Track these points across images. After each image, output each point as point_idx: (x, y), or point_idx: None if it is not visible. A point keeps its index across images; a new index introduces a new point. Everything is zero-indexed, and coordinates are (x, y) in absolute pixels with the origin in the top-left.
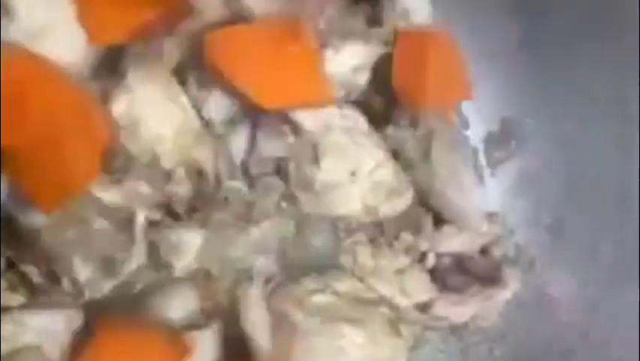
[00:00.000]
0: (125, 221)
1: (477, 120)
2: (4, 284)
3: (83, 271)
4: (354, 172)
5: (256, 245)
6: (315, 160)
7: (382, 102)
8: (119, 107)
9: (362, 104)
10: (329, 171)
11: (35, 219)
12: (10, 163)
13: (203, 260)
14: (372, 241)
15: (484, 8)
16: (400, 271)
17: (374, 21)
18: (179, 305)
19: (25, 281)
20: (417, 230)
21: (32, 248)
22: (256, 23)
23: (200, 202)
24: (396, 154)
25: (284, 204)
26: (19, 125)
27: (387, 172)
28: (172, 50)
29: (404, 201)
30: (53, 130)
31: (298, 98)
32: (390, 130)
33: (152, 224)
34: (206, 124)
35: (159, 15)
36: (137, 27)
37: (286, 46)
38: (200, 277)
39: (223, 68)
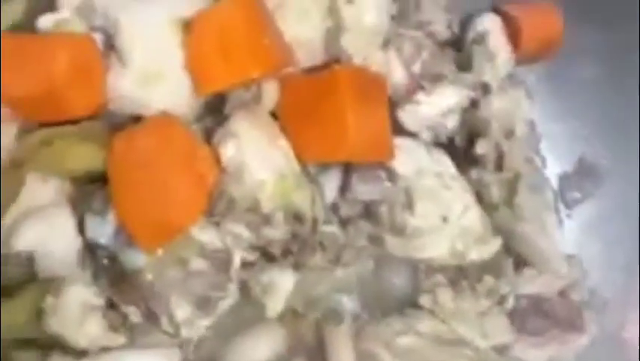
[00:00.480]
0: (221, 262)
1: (553, 160)
2: (105, 324)
3: (181, 310)
4: (446, 218)
5: (339, 283)
6: (409, 205)
7: (466, 144)
8: (226, 152)
9: (447, 146)
10: (422, 216)
11: (137, 259)
12: (118, 203)
13: (292, 299)
14: (454, 283)
15: (566, 48)
16: (480, 313)
17: (463, 66)
18: (267, 344)
19: (125, 322)
20: (498, 273)
21: (133, 288)
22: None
23: (295, 245)
24: (478, 196)
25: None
26: (127, 166)
27: (475, 216)
28: (271, 92)
29: (492, 248)
30: (160, 171)
31: (329, 155)
32: (474, 173)
33: (245, 264)
34: (304, 167)
35: (266, 73)
36: (244, 81)
37: (322, 98)
38: (288, 316)
39: (279, 117)
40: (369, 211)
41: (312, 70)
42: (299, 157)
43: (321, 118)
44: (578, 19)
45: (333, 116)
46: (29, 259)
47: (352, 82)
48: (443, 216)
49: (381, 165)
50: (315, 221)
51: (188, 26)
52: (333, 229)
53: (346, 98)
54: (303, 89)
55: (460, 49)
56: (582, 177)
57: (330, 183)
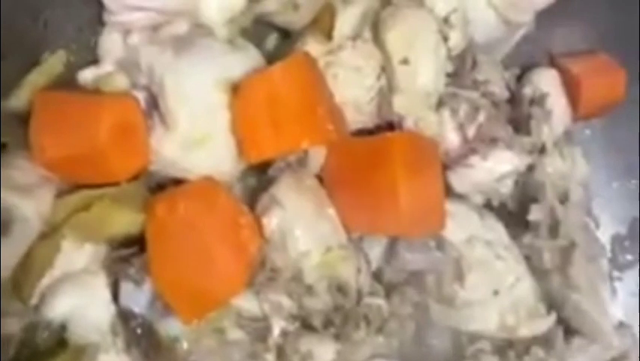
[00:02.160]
0: (260, 331)
1: (606, 220)
2: None
3: None
4: (497, 291)
5: (379, 348)
6: (459, 276)
7: (519, 208)
8: (270, 221)
9: (498, 210)
10: (472, 288)
11: (173, 328)
12: (155, 270)
13: None
14: (500, 352)
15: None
16: None
17: (519, 125)
18: None
19: None
20: (547, 343)
21: (168, 358)
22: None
23: (338, 317)
24: (529, 262)
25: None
26: (167, 231)
27: (527, 288)
28: (318, 155)
29: (545, 324)
30: (202, 238)
31: (378, 227)
32: (527, 238)
33: (284, 334)
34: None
35: (318, 144)
36: (294, 151)
37: (373, 167)
38: None
39: (325, 182)
40: (415, 278)
41: (361, 132)
42: (345, 226)
43: (371, 187)
44: (633, 70)
45: (384, 187)
46: (62, 326)
47: (405, 151)
48: (495, 289)
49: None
50: (359, 293)
51: (236, 89)
52: (378, 301)
53: (399, 169)
54: (352, 154)
55: (515, 104)
56: (634, 238)
57: (375, 249)
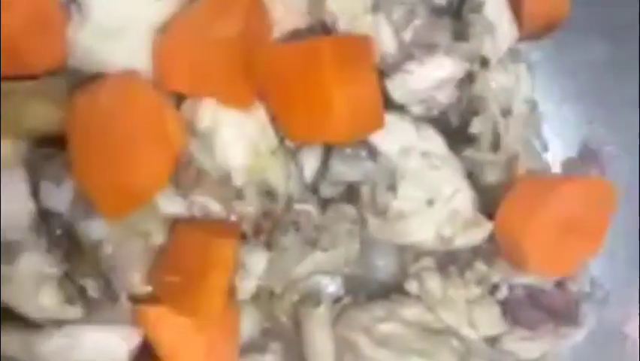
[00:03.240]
0: None
1: (557, 144)
2: (60, 297)
3: (141, 285)
4: (432, 200)
5: (321, 265)
6: (392, 187)
7: (461, 120)
8: (200, 116)
9: (439, 122)
10: (405, 198)
11: (96, 230)
12: (77, 168)
13: (266, 279)
14: (442, 269)
15: (572, 27)
16: (470, 302)
17: (459, 36)
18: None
19: (82, 295)
20: (491, 259)
21: (91, 261)
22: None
23: (268, 223)
24: (471, 176)
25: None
26: (88, 127)
27: (465, 199)
28: None
29: (482, 233)
30: (125, 133)
31: (314, 135)
32: (468, 152)
33: None
34: (281, 141)
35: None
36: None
37: (304, 73)
38: (263, 297)
39: (262, 89)
40: (351, 193)
41: (295, 34)
42: (278, 132)
43: (303, 94)
44: None
45: (316, 93)
46: None
47: (336, 55)
48: (429, 199)
49: (363, 144)
50: (289, 199)
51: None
52: (309, 208)
53: (330, 74)
54: (283, 59)
55: (457, 17)
56: (586, 162)
57: (310, 161)
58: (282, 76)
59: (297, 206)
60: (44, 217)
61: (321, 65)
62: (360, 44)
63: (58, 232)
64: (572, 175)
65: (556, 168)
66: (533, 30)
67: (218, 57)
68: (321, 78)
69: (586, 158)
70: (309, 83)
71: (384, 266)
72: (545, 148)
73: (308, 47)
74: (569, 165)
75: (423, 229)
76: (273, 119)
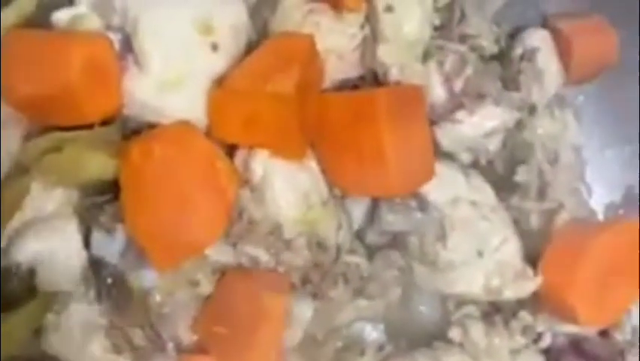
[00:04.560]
0: None
1: (599, 188)
2: (109, 346)
3: (188, 335)
4: (481, 252)
5: (363, 311)
6: (441, 237)
7: (507, 168)
8: (251, 166)
9: (486, 170)
10: (455, 249)
11: (145, 279)
12: (130, 218)
13: (311, 327)
14: (486, 317)
15: (614, 70)
16: (514, 351)
17: (509, 84)
18: None
19: (129, 344)
20: (535, 309)
21: (139, 310)
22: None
23: (316, 274)
24: (516, 224)
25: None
26: (142, 176)
27: (513, 249)
28: None
29: (530, 286)
30: (178, 183)
31: (364, 188)
32: (515, 200)
33: None
34: (330, 190)
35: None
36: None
37: (358, 123)
38: (307, 344)
39: (315, 140)
40: (398, 240)
41: (345, 83)
42: (329, 184)
43: (356, 145)
44: (631, 38)
45: (369, 145)
46: (31, 272)
47: (390, 106)
48: (478, 250)
49: (412, 193)
50: (338, 250)
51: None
52: (358, 259)
53: (384, 126)
54: (336, 109)
55: (506, 65)
56: (629, 207)
57: (358, 210)
58: (335, 126)
59: (347, 258)
60: (95, 266)
61: (375, 115)
62: (413, 95)
63: (109, 281)
64: (611, 221)
65: (600, 213)
66: (580, 75)
67: (273, 109)
68: (375, 129)
69: (629, 203)
70: (362, 134)
71: (427, 313)
72: (590, 193)
73: (362, 97)
74: (611, 210)
75: (471, 279)
76: (324, 171)
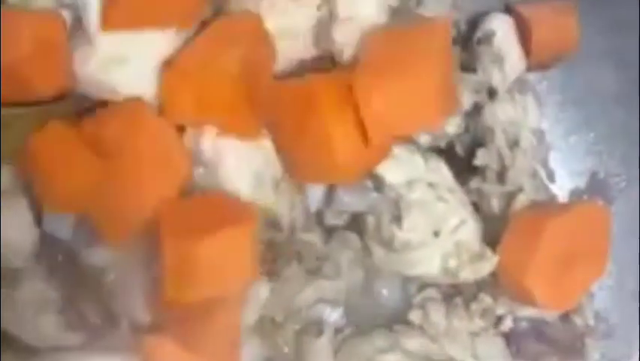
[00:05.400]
0: None
1: (564, 174)
2: (61, 323)
3: (143, 313)
4: (438, 232)
5: (323, 293)
6: (397, 218)
7: (467, 151)
8: (203, 143)
9: (445, 153)
10: (411, 230)
11: (99, 256)
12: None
13: (268, 308)
14: (447, 300)
15: (580, 57)
16: (474, 334)
17: (467, 66)
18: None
19: (82, 321)
20: (496, 291)
21: (92, 287)
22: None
23: (270, 253)
24: (475, 207)
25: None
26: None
27: (471, 231)
28: None
29: (488, 266)
30: (130, 159)
31: (315, 178)
32: (474, 183)
33: None
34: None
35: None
36: None
37: (304, 113)
38: (265, 326)
39: (267, 122)
40: (356, 221)
41: (302, 63)
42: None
43: (303, 135)
44: (596, 24)
45: (316, 136)
46: None
47: (334, 94)
48: (435, 230)
49: (369, 174)
50: (292, 229)
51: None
52: (312, 238)
53: (328, 116)
54: (283, 98)
55: (465, 49)
56: (594, 194)
57: (314, 191)
58: (283, 115)
59: (301, 236)
60: (46, 243)
61: (319, 105)
62: None
63: (60, 258)
64: (570, 203)
65: (563, 200)
66: (542, 60)
67: (222, 88)
68: (319, 120)
69: (593, 189)
70: (308, 125)
71: (387, 296)
72: (552, 179)
73: (307, 85)
74: (575, 196)
75: (429, 260)
76: (277, 154)
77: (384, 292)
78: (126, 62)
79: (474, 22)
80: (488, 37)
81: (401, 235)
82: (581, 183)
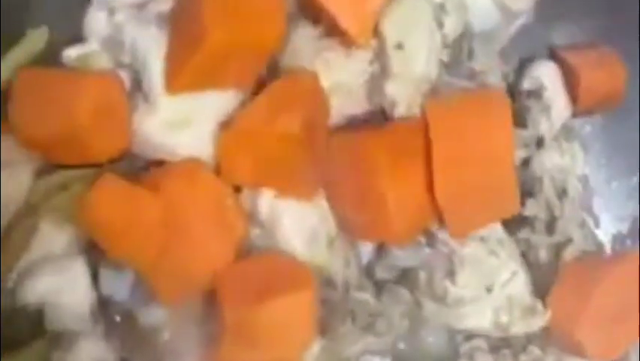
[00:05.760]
0: None
1: (606, 219)
2: None
3: None
4: (490, 287)
5: (371, 345)
6: (451, 273)
7: None
8: (260, 204)
9: None
10: (464, 285)
11: (154, 316)
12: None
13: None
14: (495, 350)
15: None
16: None
17: (516, 119)
18: None
19: None
20: (544, 343)
21: (148, 347)
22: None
23: (324, 311)
24: (525, 257)
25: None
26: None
27: (522, 284)
28: None
29: (539, 321)
30: (186, 220)
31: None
32: (523, 234)
33: None
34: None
35: None
36: None
37: (359, 169)
38: None
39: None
40: (406, 276)
41: (354, 119)
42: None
43: (358, 191)
44: (634, 67)
45: (371, 192)
46: (39, 312)
47: (390, 151)
48: (487, 285)
49: (423, 231)
50: (346, 286)
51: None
52: (366, 296)
53: (383, 175)
54: (339, 150)
55: (513, 97)
56: (637, 238)
57: (367, 245)
58: (338, 170)
59: (355, 294)
60: (103, 304)
61: (372, 164)
62: (415, 133)
63: (117, 318)
64: (618, 255)
65: (607, 244)
66: (588, 107)
67: (280, 150)
68: (374, 178)
69: (636, 233)
70: (363, 178)
71: (434, 344)
72: (597, 225)
73: (361, 139)
74: (618, 241)
75: (480, 315)
76: (332, 210)
77: (431, 340)
78: (186, 125)
79: (519, 71)
80: (539, 90)
81: (454, 290)
82: (624, 228)
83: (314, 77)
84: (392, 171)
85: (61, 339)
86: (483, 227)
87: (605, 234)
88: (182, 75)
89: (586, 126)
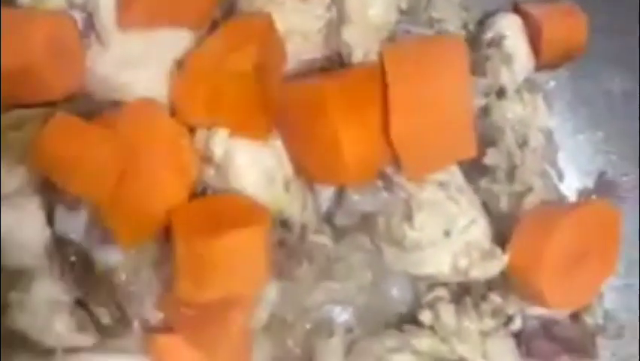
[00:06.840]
0: None
1: (572, 173)
2: (73, 324)
3: (155, 313)
4: (448, 231)
5: (333, 294)
6: (408, 217)
7: (478, 152)
8: (214, 144)
9: None
10: (421, 229)
11: (110, 257)
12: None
13: (278, 308)
14: (457, 299)
15: (589, 56)
16: (484, 334)
17: (476, 68)
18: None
19: (94, 322)
20: (505, 291)
21: (104, 288)
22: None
23: (281, 253)
24: (485, 206)
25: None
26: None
27: (481, 230)
28: None
29: (497, 265)
30: (141, 160)
31: (327, 178)
32: (484, 183)
33: None
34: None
35: None
36: None
37: (312, 116)
38: (275, 326)
39: (278, 122)
40: (366, 222)
41: (312, 63)
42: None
43: (312, 136)
44: (606, 26)
45: (324, 137)
46: None
47: (342, 96)
48: (445, 229)
49: (379, 174)
50: (303, 229)
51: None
52: (324, 240)
53: (336, 118)
54: (293, 98)
55: (475, 50)
56: (602, 193)
57: (325, 191)
58: (292, 116)
59: (312, 237)
60: (59, 244)
61: (327, 107)
62: (368, 79)
63: (72, 258)
64: (579, 203)
65: (572, 199)
66: (550, 59)
67: (233, 89)
68: (328, 122)
69: (602, 188)
70: (317, 126)
71: (397, 296)
72: (561, 178)
73: (313, 88)
74: (584, 195)
75: (439, 259)
76: (288, 154)
77: (394, 291)
78: (139, 63)
79: (482, 22)
80: (499, 40)
81: (412, 234)
82: (590, 182)
83: (268, 18)
84: (345, 113)
85: (17, 280)
86: (439, 169)
87: (569, 188)
88: (133, 8)
89: (551, 81)
